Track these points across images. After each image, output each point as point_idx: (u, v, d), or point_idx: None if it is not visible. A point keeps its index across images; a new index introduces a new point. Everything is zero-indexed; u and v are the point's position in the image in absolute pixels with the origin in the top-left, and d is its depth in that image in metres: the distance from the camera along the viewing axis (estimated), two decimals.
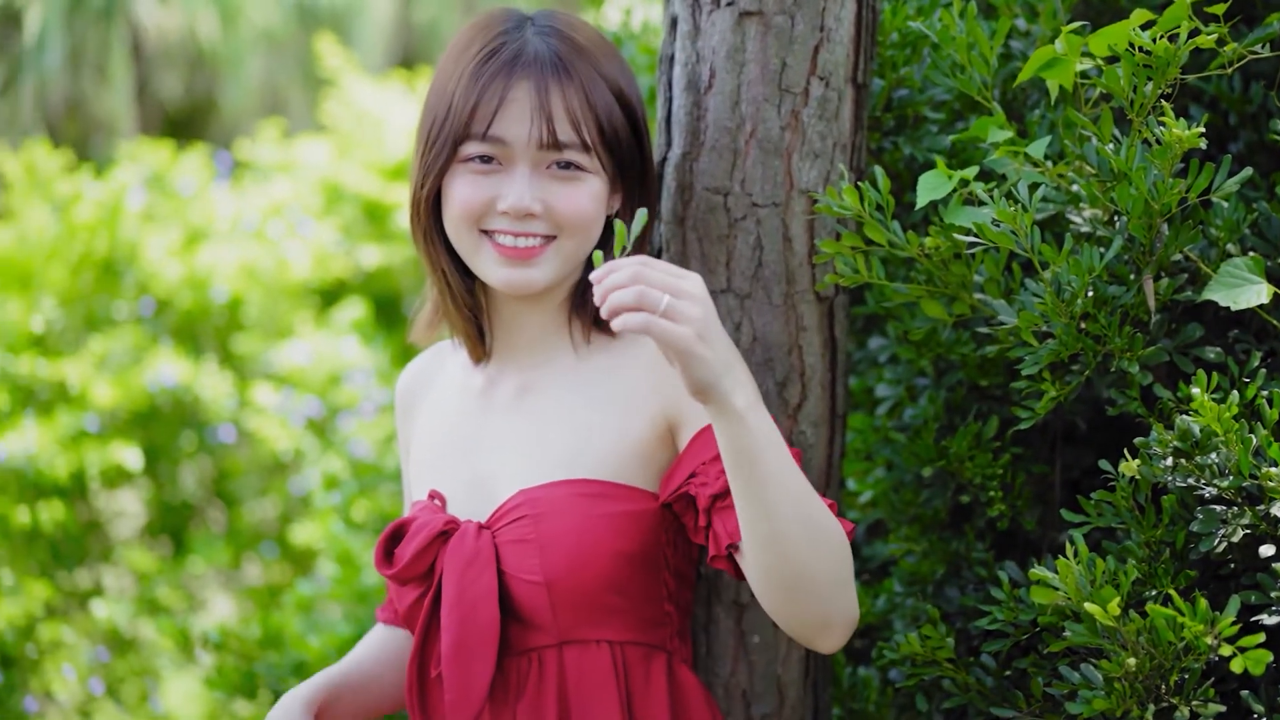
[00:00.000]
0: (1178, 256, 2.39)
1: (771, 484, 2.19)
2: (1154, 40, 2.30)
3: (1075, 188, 2.41)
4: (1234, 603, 2.16)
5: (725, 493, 2.31)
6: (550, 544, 2.39)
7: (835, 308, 2.69)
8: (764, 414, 2.20)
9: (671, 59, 2.72)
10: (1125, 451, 2.32)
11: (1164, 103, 2.33)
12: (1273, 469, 2.18)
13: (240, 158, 8.60)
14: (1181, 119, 2.30)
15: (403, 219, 7.17)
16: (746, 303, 2.64)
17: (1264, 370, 2.36)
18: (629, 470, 2.43)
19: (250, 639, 4.79)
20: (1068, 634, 2.26)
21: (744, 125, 2.61)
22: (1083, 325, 2.36)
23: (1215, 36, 2.31)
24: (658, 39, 3.77)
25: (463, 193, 2.46)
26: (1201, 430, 2.24)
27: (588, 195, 2.46)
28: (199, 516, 7.45)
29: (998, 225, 2.35)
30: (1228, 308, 2.29)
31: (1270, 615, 2.23)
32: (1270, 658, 2.10)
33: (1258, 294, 2.27)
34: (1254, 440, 2.22)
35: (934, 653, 2.54)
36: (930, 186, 2.41)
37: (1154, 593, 2.30)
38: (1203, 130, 2.27)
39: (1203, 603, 2.14)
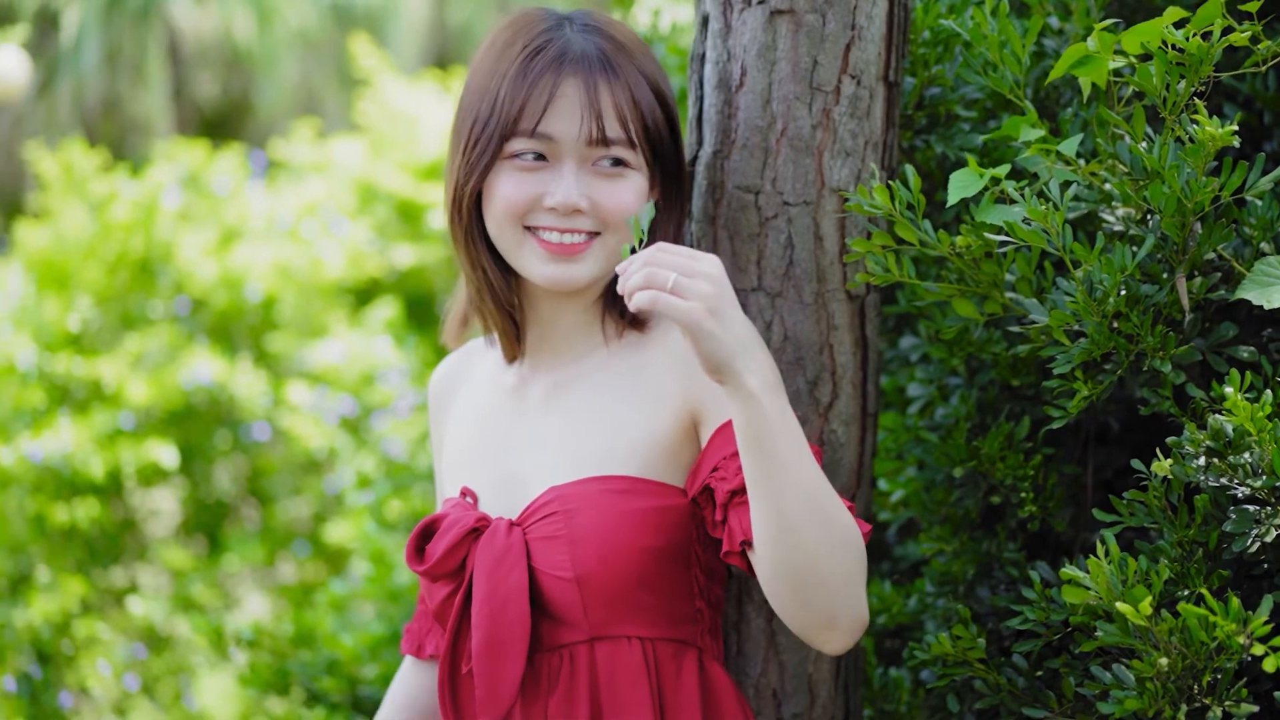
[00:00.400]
0: (1211, 255, 2.38)
1: (783, 471, 2.19)
2: (1187, 38, 2.28)
3: (1108, 186, 2.40)
4: (1267, 602, 2.16)
5: (743, 489, 2.31)
6: (580, 540, 2.39)
7: (866, 306, 2.69)
8: (781, 401, 2.21)
9: (703, 57, 2.72)
10: (1158, 451, 2.31)
11: (1197, 101, 2.32)
12: None
13: (275, 157, 8.63)
14: (1215, 117, 2.28)
15: (437, 219, 7.18)
16: (777, 301, 2.63)
17: None
18: (657, 466, 2.43)
19: (283, 637, 4.80)
20: (1099, 634, 2.25)
21: (775, 123, 2.61)
22: (1115, 324, 2.35)
23: (1249, 34, 2.30)
24: (687, 39, 3.77)
25: (508, 189, 2.46)
26: (1234, 430, 2.23)
27: (632, 192, 2.47)
28: (234, 515, 7.48)
29: (1029, 224, 2.34)
30: (1261, 306, 2.28)
31: None
32: None
33: None
34: None
35: (965, 653, 2.53)
36: (961, 185, 2.40)
37: (1186, 592, 2.29)
38: (1236, 128, 2.26)
39: (1235, 602, 2.13)
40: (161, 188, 7.35)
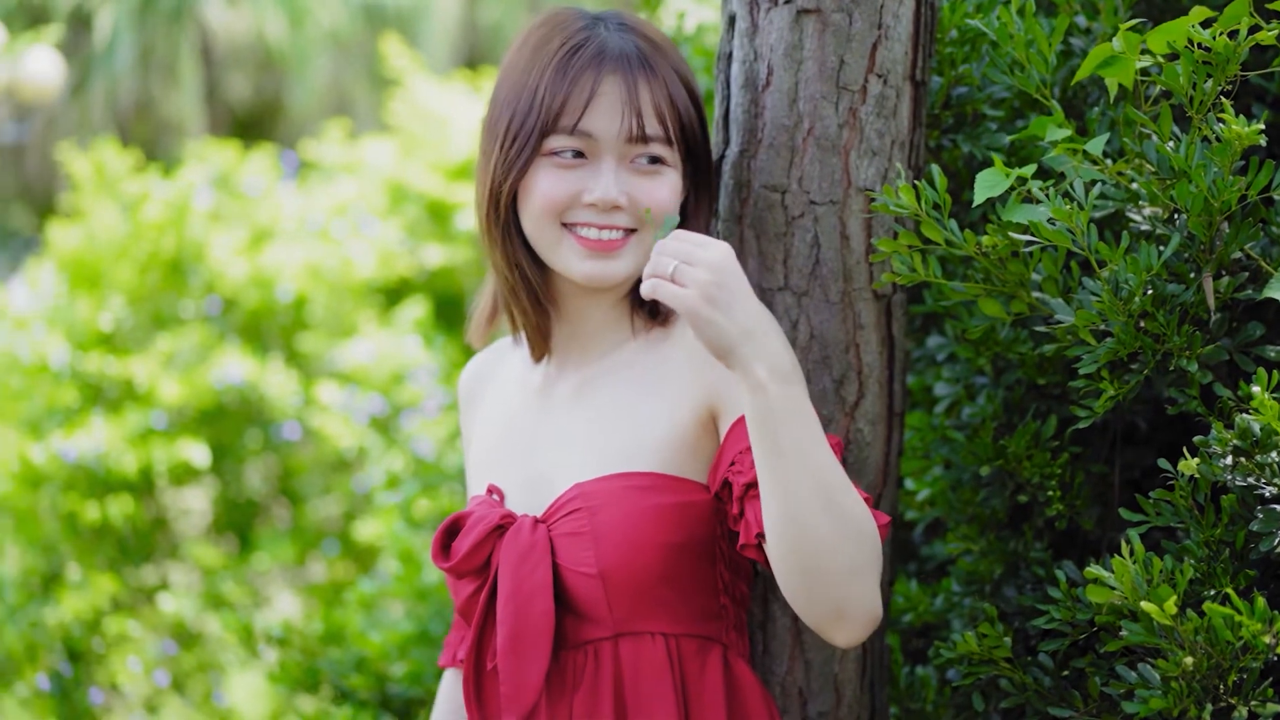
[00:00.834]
0: (1238, 254, 2.37)
1: (790, 460, 2.20)
2: (1214, 37, 2.28)
3: (1135, 185, 2.40)
4: None
5: (757, 481, 2.31)
6: (603, 537, 2.40)
7: (893, 306, 2.69)
8: (793, 391, 2.21)
9: (729, 57, 2.72)
10: (1184, 450, 2.31)
11: (1224, 100, 2.31)
12: None
13: (306, 158, 8.66)
14: (1241, 116, 2.28)
15: (466, 219, 7.19)
16: (803, 300, 2.64)
17: None
18: (679, 461, 2.44)
19: (312, 635, 4.82)
20: (1124, 633, 2.25)
21: (801, 123, 2.61)
22: (1141, 324, 2.35)
23: (1276, 33, 2.29)
24: (712, 40, 3.78)
25: (547, 186, 2.47)
26: (1261, 429, 2.23)
27: (668, 188, 2.49)
28: (264, 513, 7.51)
29: (1054, 224, 2.34)
30: None
31: None
32: None
33: None
34: None
35: (991, 652, 2.53)
36: (987, 184, 2.40)
37: (1212, 592, 2.28)
38: (1263, 127, 2.26)
39: (1261, 602, 2.13)
40: (193, 188, 7.38)
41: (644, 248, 2.48)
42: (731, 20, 2.72)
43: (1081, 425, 2.46)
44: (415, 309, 7.15)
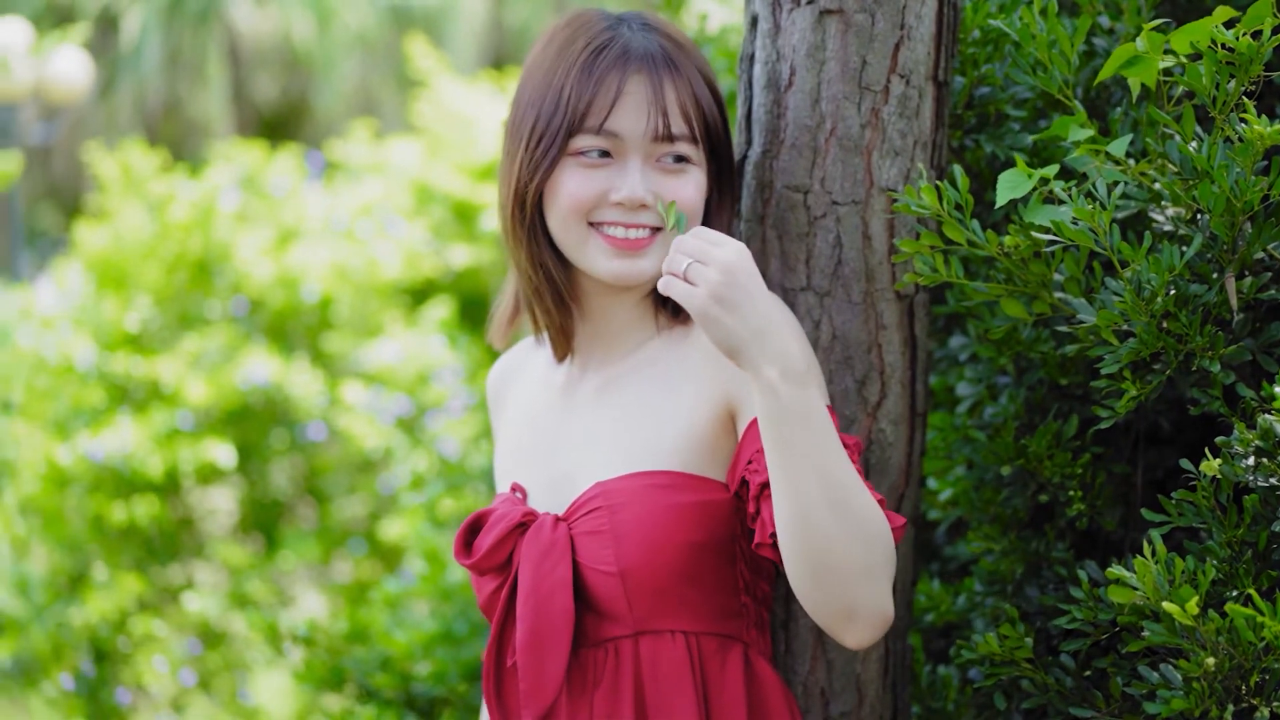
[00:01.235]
0: (1260, 254, 2.37)
1: (801, 460, 2.20)
2: (1237, 37, 2.28)
3: (1157, 186, 2.40)
4: None
5: None
6: (623, 535, 2.41)
7: (915, 306, 2.69)
8: (805, 393, 2.20)
9: (752, 57, 2.72)
10: (1206, 451, 2.31)
11: (1246, 100, 2.31)
12: None
13: (332, 158, 8.68)
14: (1264, 116, 2.28)
15: (491, 219, 7.21)
16: (826, 300, 2.64)
17: None
18: (698, 460, 2.44)
19: (337, 634, 4.84)
20: (1146, 634, 2.24)
21: (824, 123, 2.61)
22: (1164, 324, 2.34)
23: None
24: (735, 41, 3.78)
25: (574, 186, 2.48)
26: None
27: (694, 186, 2.49)
28: (290, 513, 7.54)
29: (1077, 224, 2.34)
30: None
31: None
32: None
33: None
34: None
35: (1013, 652, 2.53)
36: (1010, 185, 2.40)
37: (1235, 593, 2.28)
38: None
39: None
40: (219, 188, 7.41)
41: (669, 246, 2.49)
42: (754, 21, 2.72)
43: (1103, 425, 2.46)
44: (440, 309, 7.16)
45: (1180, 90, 2.42)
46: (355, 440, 6.92)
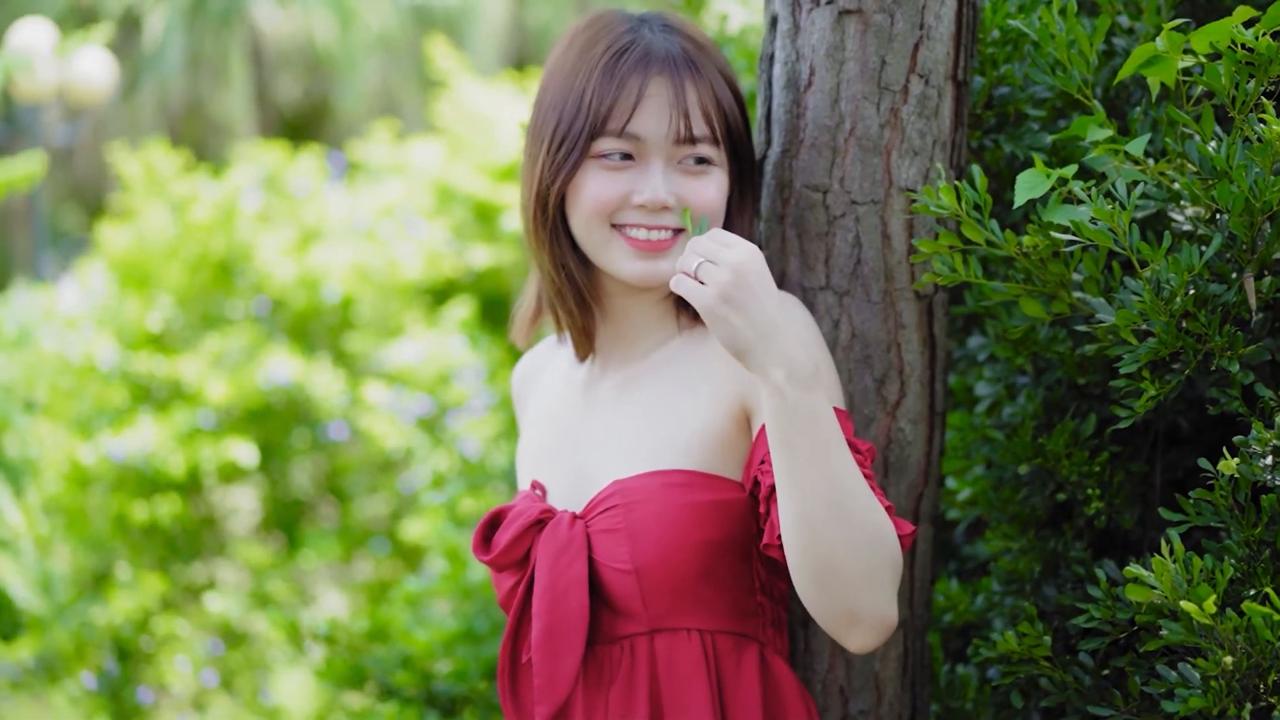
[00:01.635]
0: (1279, 254, 2.37)
1: (805, 463, 2.20)
2: (1256, 37, 2.28)
3: (1176, 185, 2.40)
4: None
5: None
6: (639, 533, 2.42)
7: (935, 305, 2.69)
8: (812, 397, 2.21)
9: (771, 57, 2.73)
10: (1224, 450, 2.31)
11: (1266, 100, 2.31)
12: None
13: (354, 159, 8.70)
14: None
15: (512, 220, 7.22)
16: (845, 300, 2.64)
17: None
18: (715, 459, 2.45)
19: (358, 633, 4.85)
20: (1164, 632, 2.25)
21: (843, 123, 2.62)
22: (1183, 324, 2.34)
23: None
24: (755, 41, 3.79)
25: (596, 188, 2.49)
26: None
27: (715, 188, 2.50)
28: (311, 512, 7.55)
29: (1096, 223, 2.35)
30: None
31: None
32: None
33: None
34: None
35: (1031, 651, 2.54)
36: (1028, 185, 2.40)
37: (1253, 592, 2.28)
38: None
39: None
40: (241, 189, 7.43)
41: None
42: (774, 21, 2.73)
43: (1122, 425, 2.46)
44: (461, 309, 7.17)
45: (1199, 90, 2.42)
46: (376, 440, 6.94)
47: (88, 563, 7.10)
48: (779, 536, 2.32)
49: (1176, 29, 2.36)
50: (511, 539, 2.50)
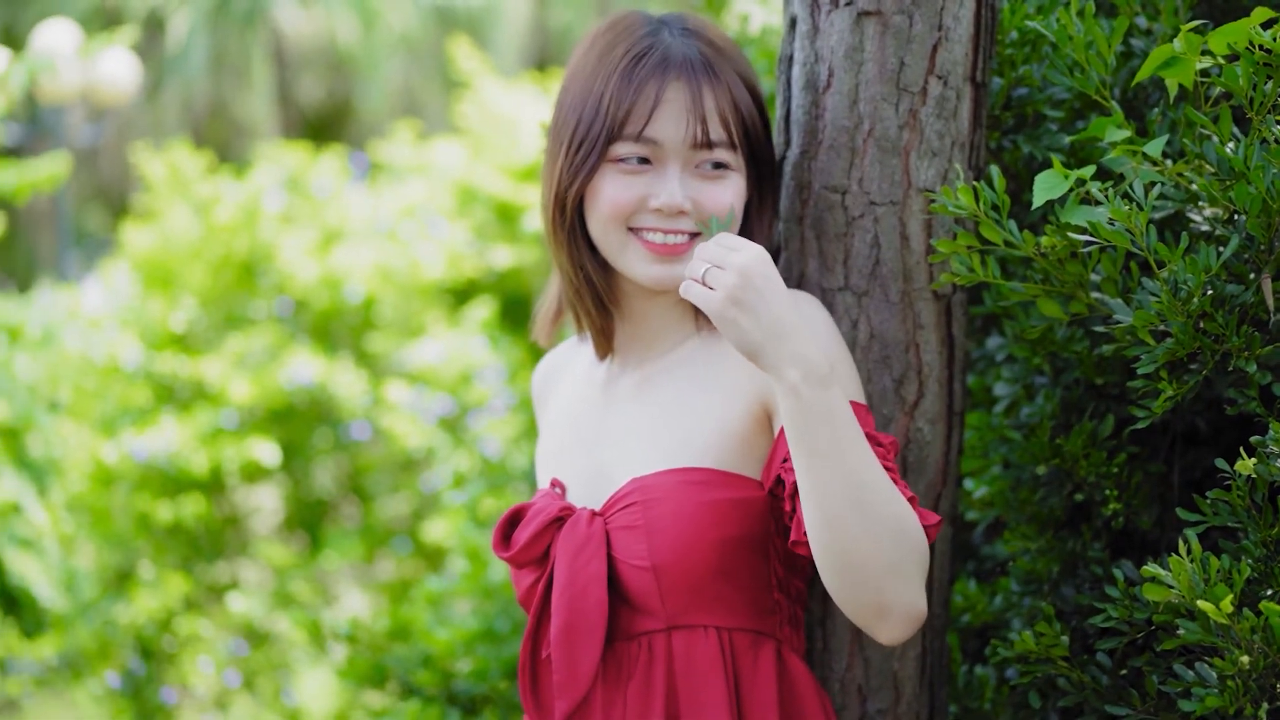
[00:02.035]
0: None
1: (824, 460, 2.22)
2: (1274, 38, 2.28)
3: (1194, 186, 2.40)
4: None
5: None
6: (657, 530, 2.43)
7: (953, 306, 2.70)
8: (828, 394, 2.22)
9: (790, 59, 2.74)
10: (1241, 450, 2.31)
11: None
12: None
13: (376, 159, 8.71)
14: None
15: (533, 220, 7.23)
16: (863, 300, 2.65)
17: None
18: (733, 457, 2.46)
19: (380, 632, 4.87)
20: (1181, 632, 2.25)
21: (862, 124, 2.63)
22: (1200, 324, 2.35)
23: None
24: (776, 42, 3.79)
25: (613, 192, 2.50)
26: None
27: (733, 192, 2.51)
28: (333, 512, 7.57)
29: (1113, 224, 2.35)
30: None
31: None
32: None
33: None
34: None
35: (1049, 650, 2.54)
36: (1046, 186, 2.41)
37: (1270, 591, 2.28)
38: None
39: None
40: (264, 190, 7.45)
41: None
42: (793, 23, 2.74)
43: (1140, 425, 2.46)
44: (482, 310, 7.18)
45: (1217, 91, 2.42)
46: (398, 440, 6.95)
47: (111, 562, 7.13)
48: (805, 534, 2.33)
49: (1194, 30, 2.36)
50: (531, 536, 2.52)
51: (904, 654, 2.74)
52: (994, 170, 2.48)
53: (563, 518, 2.52)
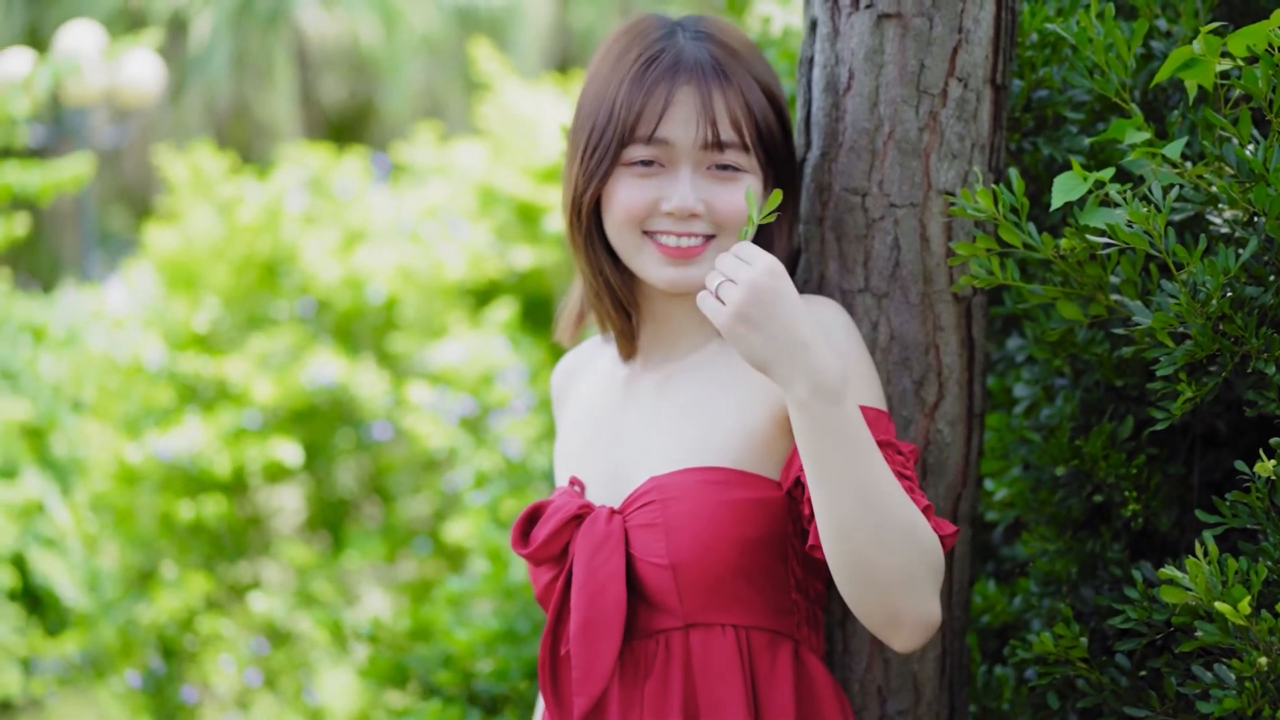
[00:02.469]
0: None
1: (835, 474, 2.22)
2: None
3: (1213, 188, 2.40)
4: None
5: None
6: (676, 529, 2.44)
7: (973, 308, 2.70)
8: (840, 409, 2.22)
9: (811, 61, 2.75)
10: (1260, 452, 2.31)
11: None
12: None
13: (398, 160, 8.73)
14: None
15: (555, 221, 7.24)
16: (884, 302, 2.66)
17: None
18: (753, 458, 2.47)
19: (401, 632, 4.88)
20: (1200, 634, 2.25)
21: (882, 126, 2.63)
22: (1220, 326, 2.35)
23: None
24: (798, 44, 3.80)
25: (626, 195, 2.52)
26: None
27: (744, 195, 2.51)
28: (355, 512, 7.58)
29: (1132, 226, 2.35)
30: None
31: None
32: None
33: None
34: None
35: (1068, 652, 2.54)
36: (1065, 188, 2.41)
37: None
38: None
39: None
40: (286, 191, 7.47)
41: (723, 253, 2.52)
42: (813, 25, 2.74)
43: (1159, 427, 2.46)
44: (504, 311, 7.19)
45: (1237, 93, 2.43)
46: (420, 440, 6.97)
47: (134, 561, 7.16)
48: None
49: (1214, 32, 2.36)
50: (550, 533, 2.53)
51: (924, 655, 2.75)
52: (1013, 172, 2.48)
53: (581, 515, 2.53)
